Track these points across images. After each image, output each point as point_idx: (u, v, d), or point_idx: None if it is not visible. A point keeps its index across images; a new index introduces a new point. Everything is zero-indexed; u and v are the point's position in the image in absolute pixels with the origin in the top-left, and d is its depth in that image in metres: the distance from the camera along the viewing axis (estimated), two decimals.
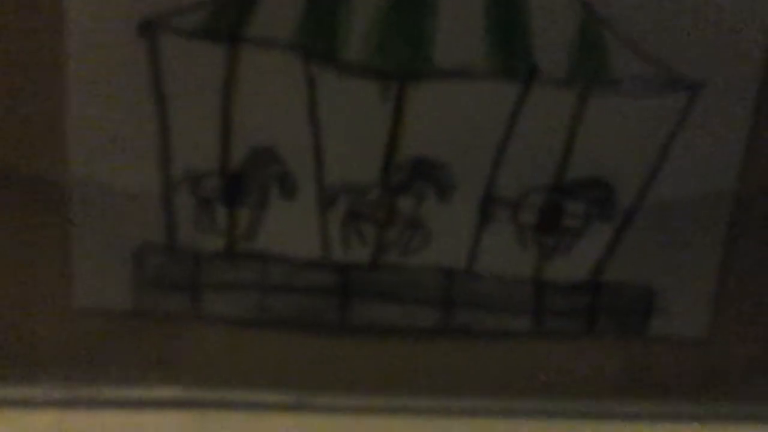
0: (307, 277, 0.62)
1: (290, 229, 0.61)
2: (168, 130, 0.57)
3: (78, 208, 0.59)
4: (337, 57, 0.56)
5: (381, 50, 0.56)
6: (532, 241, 0.62)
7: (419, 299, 0.63)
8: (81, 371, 0.63)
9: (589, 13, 0.56)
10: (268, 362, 0.64)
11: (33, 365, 0.62)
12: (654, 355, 0.65)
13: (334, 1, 0.55)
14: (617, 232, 0.61)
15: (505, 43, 0.56)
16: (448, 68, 0.57)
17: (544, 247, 0.62)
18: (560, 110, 0.58)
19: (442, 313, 0.63)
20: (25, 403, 0.62)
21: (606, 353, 0.65)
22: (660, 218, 0.61)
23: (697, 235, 0.62)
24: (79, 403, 0.62)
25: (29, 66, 0.56)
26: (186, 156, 0.58)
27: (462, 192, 0.60)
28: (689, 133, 0.59)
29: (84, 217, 0.59)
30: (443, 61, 0.56)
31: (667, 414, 0.66)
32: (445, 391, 0.65)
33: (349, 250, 0.61)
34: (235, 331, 0.63)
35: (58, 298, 0.61)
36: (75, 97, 0.56)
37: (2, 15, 0.55)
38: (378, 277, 0.62)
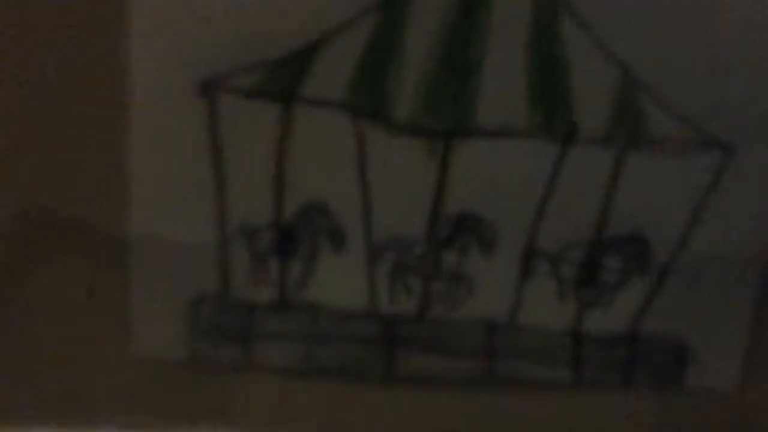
0: (354, 328, 0.63)
1: (339, 281, 0.62)
2: (225, 186, 0.59)
3: (137, 260, 0.61)
4: (386, 116, 0.58)
5: (428, 110, 0.58)
6: (571, 295, 0.63)
7: (463, 350, 0.64)
8: (137, 417, 0.64)
9: (627, 76, 0.57)
10: (316, 411, 0.65)
11: (92, 410, 0.64)
12: (687, 407, 0.66)
13: (384, 63, 0.57)
14: (653, 287, 0.62)
15: (545, 103, 0.58)
16: (492, 127, 0.58)
17: (582, 301, 0.63)
18: (599, 169, 0.60)
19: (484, 364, 0.64)
20: None
21: (642, 405, 0.66)
22: (694, 274, 0.62)
23: (729, 291, 0.62)
24: None
25: (94, 123, 0.58)
26: (241, 211, 0.60)
27: (504, 246, 0.61)
28: (722, 193, 0.60)
29: (142, 269, 0.61)
30: (487, 121, 0.58)
31: None
32: None
33: (396, 302, 0.63)
34: (285, 380, 0.64)
35: (117, 347, 0.63)
36: (137, 154, 0.58)
37: (68, 71, 0.57)
38: (423, 329, 0.63)
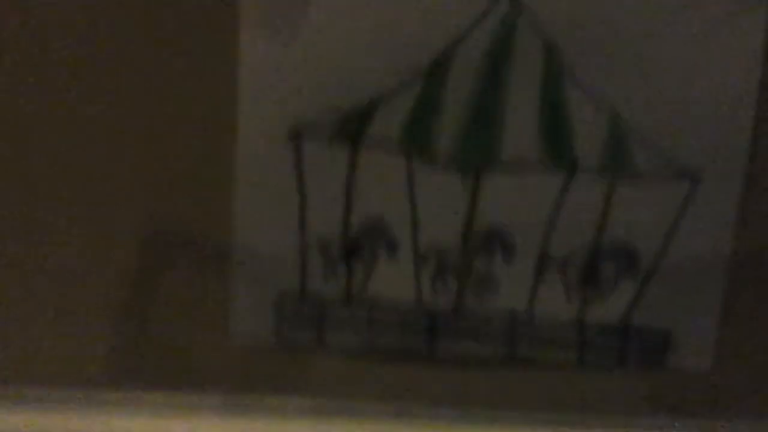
0: (404, 318, 0.69)
1: (392, 280, 0.68)
2: (305, 207, 0.66)
3: (236, 263, 0.67)
4: (430, 155, 0.65)
5: (462, 149, 0.64)
6: (576, 292, 0.69)
7: (490, 336, 0.69)
8: (235, 390, 0.71)
9: (616, 119, 0.64)
10: (375, 385, 0.71)
11: (198, 384, 0.70)
12: (670, 384, 0.71)
13: (429, 113, 0.64)
14: (640, 287, 0.68)
15: (553, 144, 0.64)
16: (512, 161, 0.65)
17: (584, 297, 0.69)
18: (595, 193, 0.65)
19: (508, 347, 0.70)
20: (188, 407, 0.70)
21: (633, 383, 0.71)
22: (674, 275, 0.67)
23: (703, 290, 0.68)
24: (231, 409, 0.70)
25: (210, 151, 0.65)
26: (317, 226, 0.67)
27: (522, 253, 0.67)
28: (694, 210, 0.66)
29: (240, 270, 0.68)
30: (508, 156, 0.64)
31: (682, 429, 0.72)
32: (509, 407, 0.71)
33: (437, 297, 0.69)
34: (350, 360, 0.70)
35: (218, 333, 0.69)
36: (241, 181, 0.65)
37: (189, 102, 0.64)
38: (458, 319, 0.69)
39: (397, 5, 0.62)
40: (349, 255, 0.68)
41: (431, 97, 0.63)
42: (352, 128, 0.64)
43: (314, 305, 0.69)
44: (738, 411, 0.72)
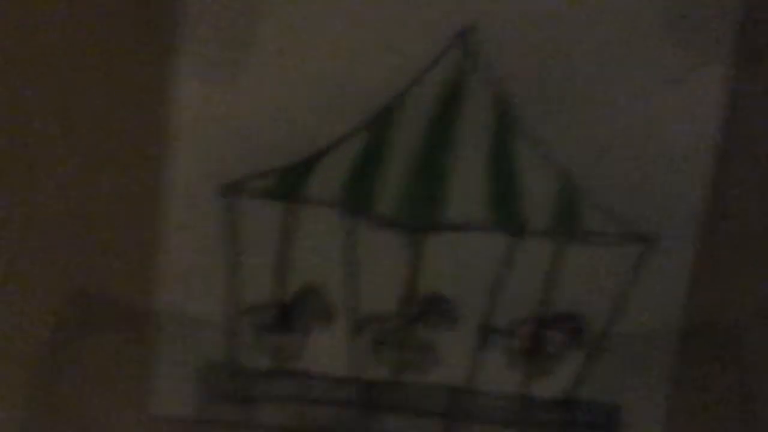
0: (339, 392, 0.66)
1: (327, 351, 0.66)
2: (236, 271, 0.64)
3: (158, 331, 0.65)
4: (371, 214, 0.63)
5: (405, 209, 0.63)
6: (520, 364, 0.67)
7: (429, 412, 0.67)
8: None
9: (566, 181, 0.62)
10: None
11: None
12: None
13: (370, 170, 0.62)
14: (588, 358, 0.66)
15: (501, 204, 0.63)
16: (457, 222, 0.63)
17: (530, 369, 0.67)
18: (543, 257, 0.64)
19: (446, 424, 0.68)
20: None
21: None
22: (623, 346, 0.66)
23: (653, 361, 0.66)
24: None
25: (133, 210, 0.62)
26: (249, 291, 0.64)
27: (464, 322, 0.65)
28: (645, 278, 0.64)
29: (162, 338, 0.65)
30: (453, 216, 0.63)
31: None
32: None
33: (373, 370, 0.66)
34: None
35: (138, 406, 0.66)
36: (166, 242, 0.63)
37: (113, 159, 0.61)
38: (397, 393, 0.67)
39: (342, 55, 0.60)
40: (281, 323, 0.66)
41: (374, 152, 0.62)
42: (290, 184, 0.62)
43: (243, 378, 0.66)
44: None
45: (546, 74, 0.61)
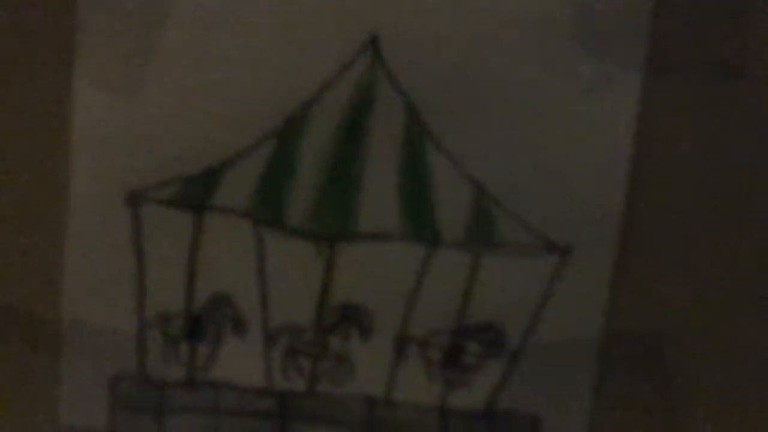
0: (253, 403, 0.66)
1: (240, 362, 0.65)
2: (144, 279, 0.63)
3: (66, 340, 0.64)
4: (281, 222, 0.62)
5: (316, 218, 0.62)
6: (438, 375, 0.66)
7: (345, 423, 0.67)
8: None
9: (480, 191, 0.62)
10: None
11: None
12: None
13: (280, 179, 0.61)
14: (508, 368, 0.66)
15: (413, 213, 0.62)
16: (369, 232, 0.63)
17: (448, 380, 0.66)
18: (458, 267, 0.63)
19: None
20: None
21: None
22: (541, 357, 0.66)
23: (572, 372, 0.66)
24: None
25: (37, 219, 0.62)
26: (157, 300, 0.64)
27: (380, 332, 0.65)
28: (562, 288, 0.64)
29: (70, 348, 0.64)
30: (365, 227, 0.62)
31: None
32: None
33: (288, 380, 0.66)
34: None
35: (46, 418, 0.65)
36: (70, 251, 0.62)
37: (16, 170, 0.61)
38: (312, 404, 0.66)
39: (247, 62, 0.60)
40: (192, 334, 0.65)
41: (284, 159, 0.61)
42: (196, 193, 0.62)
43: (153, 389, 0.65)
44: None
45: (458, 82, 0.61)
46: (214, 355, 0.66)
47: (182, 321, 0.65)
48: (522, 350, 0.66)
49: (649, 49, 0.61)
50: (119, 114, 0.60)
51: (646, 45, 0.61)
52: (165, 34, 0.60)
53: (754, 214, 0.65)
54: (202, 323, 0.65)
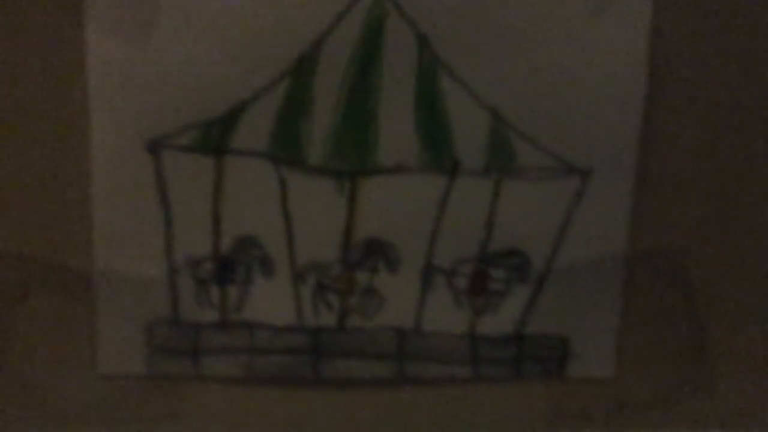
0: (284, 340, 0.67)
1: (270, 301, 0.66)
2: (171, 226, 0.64)
3: (100, 290, 0.65)
4: (302, 162, 0.63)
5: (335, 154, 0.63)
6: (465, 303, 0.67)
7: (377, 355, 0.68)
8: (105, 427, 0.68)
9: (497, 117, 0.62)
10: (257, 413, 0.69)
11: (64, 423, 0.67)
12: (571, 393, 0.70)
13: (297, 118, 0.62)
14: (534, 292, 0.67)
15: (432, 144, 0.63)
16: (389, 166, 0.63)
17: (475, 307, 0.67)
18: (480, 195, 0.64)
19: (396, 365, 0.68)
20: None
21: (531, 394, 0.70)
22: (568, 278, 0.66)
23: (599, 291, 0.67)
24: None
25: (62, 173, 0.62)
26: (185, 246, 0.64)
27: (406, 264, 0.66)
28: (584, 209, 0.65)
29: (105, 298, 0.65)
30: (385, 160, 0.63)
31: None
32: (402, 429, 0.70)
33: (319, 317, 0.67)
34: (228, 387, 0.68)
35: (85, 366, 0.66)
36: (98, 202, 0.63)
37: (38, 124, 0.62)
38: (343, 338, 0.67)
39: (257, 3, 0.60)
40: (221, 276, 0.65)
41: (299, 97, 0.61)
42: (215, 137, 0.62)
43: (188, 332, 0.67)
44: (643, 419, 0.72)
45: (467, 10, 0.61)
46: (244, 296, 0.66)
47: (211, 264, 0.65)
48: (547, 274, 0.67)
49: None
50: (133, 61, 0.61)
51: None
52: None
53: None
54: (230, 266, 0.65)
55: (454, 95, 0.62)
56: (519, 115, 0.63)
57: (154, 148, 0.62)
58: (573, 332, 0.68)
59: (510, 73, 0.62)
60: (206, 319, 0.66)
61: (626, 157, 0.64)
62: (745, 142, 0.65)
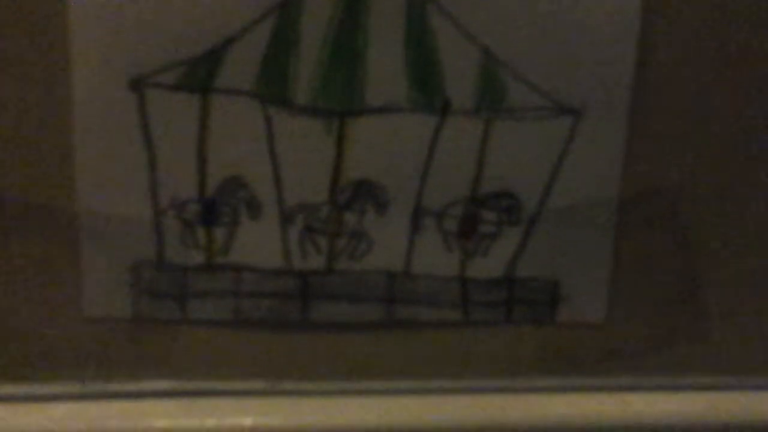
0: (272, 283, 0.66)
1: (257, 243, 0.65)
2: (155, 166, 0.63)
3: (83, 232, 0.64)
4: (288, 100, 0.62)
5: (323, 93, 0.62)
6: (455, 245, 0.67)
7: (366, 298, 0.67)
8: (90, 370, 0.67)
9: (488, 55, 0.62)
10: (244, 356, 0.68)
11: (49, 366, 0.67)
12: (562, 338, 0.70)
13: (285, 55, 0.61)
14: (525, 235, 0.67)
15: (422, 82, 0.62)
16: (378, 105, 0.62)
17: (465, 250, 0.67)
18: (471, 136, 0.63)
19: (386, 308, 0.68)
20: (43, 398, 0.67)
21: (521, 337, 0.70)
22: (559, 221, 0.66)
23: (590, 234, 0.67)
24: (89, 396, 0.67)
25: (43, 113, 0.61)
26: (170, 186, 0.63)
27: (396, 206, 0.65)
28: (576, 150, 0.64)
29: (89, 240, 0.64)
30: (373, 100, 0.62)
31: (574, 387, 0.71)
32: (391, 375, 0.70)
33: (307, 259, 0.66)
34: (215, 331, 0.68)
35: (70, 309, 0.66)
36: (80, 141, 0.62)
37: (15, 66, 0.60)
38: (331, 280, 0.67)
39: None
40: (207, 218, 0.65)
41: (286, 35, 0.60)
42: (200, 76, 0.61)
43: (174, 274, 0.66)
44: (634, 364, 0.71)
45: None
46: (231, 238, 0.66)
47: (197, 206, 0.65)
48: (539, 216, 0.67)
49: None
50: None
51: None
52: None
53: (765, 68, 0.65)
54: (216, 207, 0.65)
55: (445, 33, 0.61)
56: (511, 54, 0.62)
57: (138, 86, 0.61)
58: (564, 276, 0.68)
59: (501, 11, 0.61)
60: (192, 261, 0.66)
61: (619, 98, 0.64)
62: (741, 81, 0.65)
